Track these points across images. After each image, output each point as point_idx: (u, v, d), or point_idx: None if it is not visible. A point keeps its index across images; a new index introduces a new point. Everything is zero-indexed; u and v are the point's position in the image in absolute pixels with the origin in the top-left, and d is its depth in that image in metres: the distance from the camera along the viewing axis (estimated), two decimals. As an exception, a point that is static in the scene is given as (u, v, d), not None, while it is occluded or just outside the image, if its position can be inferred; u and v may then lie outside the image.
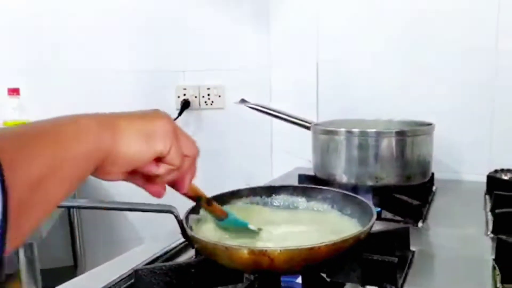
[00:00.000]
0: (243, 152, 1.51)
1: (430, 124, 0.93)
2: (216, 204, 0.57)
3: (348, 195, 0.64)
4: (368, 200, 0.67)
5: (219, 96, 1.50)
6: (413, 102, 1.15)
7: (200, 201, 0.55)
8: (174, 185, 0.48)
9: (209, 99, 1.50)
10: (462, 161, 1.11)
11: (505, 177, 0.97)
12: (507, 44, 1.03)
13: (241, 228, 0.58)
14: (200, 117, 1.50)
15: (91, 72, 1.43)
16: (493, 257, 0.60)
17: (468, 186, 1.06)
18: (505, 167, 1.05)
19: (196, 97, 1.48)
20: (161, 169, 0.44)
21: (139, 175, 0.44)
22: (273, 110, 1.08)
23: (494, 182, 0.94)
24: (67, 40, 1.42)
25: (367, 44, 1.22)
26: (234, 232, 0.57)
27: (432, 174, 0.98)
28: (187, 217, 0.57)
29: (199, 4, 1.47)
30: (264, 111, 1.08)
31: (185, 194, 0.51)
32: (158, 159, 0.43)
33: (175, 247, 0.68)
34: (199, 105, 1.49)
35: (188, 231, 0.54)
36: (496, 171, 1.06)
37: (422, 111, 1.10)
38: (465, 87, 1.10)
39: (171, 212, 0.58)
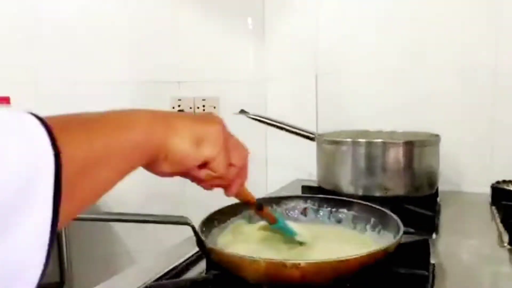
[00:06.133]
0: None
1: (437, 135, 0.93)
2: (267, 209, 0.56)
3: (371, 207, 0.61)
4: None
5: (214, 107, 1.48)
6: (413, 115, 1.15)
7: (250, 206, 0.54)
8: (223, 189, 0.47)
9: (204, 110, 1.47)
10: (463, 173, 1.11)
11: (509, 188, 0.97)
12: (506, 62, 1.05)
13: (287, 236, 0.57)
14: (195, 129, 1.47)
15: (84, 83, 1.39)
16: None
17: (471, 198, 1.05)
18: (507, 178, 1.06)
19: (191, 108, 1.46)
20: (203, 173, 0.42)
21: (188, 176, 0.43)
22: (275, 121, 1.05)
23: (499, 193, 0.93)
24: (59, 51, 1.38)
25: (367, 58, 1.22)
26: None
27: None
28: (202, 229, 0.54)
29: (194, 16, 1.45)
30: (266, 122, 1.05)
31: (236, 198, 0.50)
32: (203, 165, 0.42)
33: (183, 262, 0.65)
34: (194, 116, 1.46)
35: (207, 244, 0.51)
36: (498, 182, 1.06)
37: (423, 125, 1.09)
38: (465, 103, 1.11)
39: (187, 224, 0.54)
